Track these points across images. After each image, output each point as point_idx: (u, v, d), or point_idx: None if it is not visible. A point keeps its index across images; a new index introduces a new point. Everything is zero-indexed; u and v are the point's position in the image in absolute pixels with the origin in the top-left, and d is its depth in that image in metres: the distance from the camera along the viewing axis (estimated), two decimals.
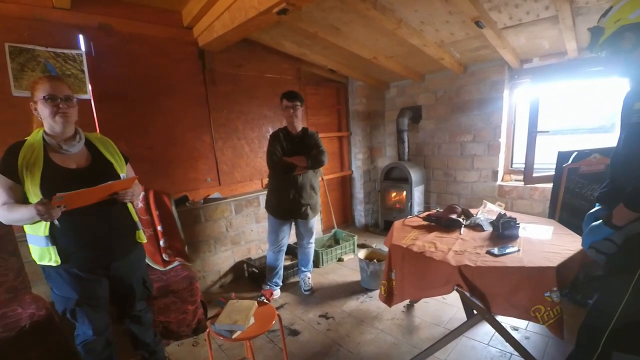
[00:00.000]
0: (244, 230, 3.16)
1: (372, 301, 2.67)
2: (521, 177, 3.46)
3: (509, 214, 2.06)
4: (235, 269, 3.12)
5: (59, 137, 1.39)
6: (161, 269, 2.39)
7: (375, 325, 2.36)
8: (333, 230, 3.84)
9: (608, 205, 1.33)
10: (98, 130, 2.39)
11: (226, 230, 3.03)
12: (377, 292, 2.74)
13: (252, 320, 1.60)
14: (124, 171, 1.59)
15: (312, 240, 2.84)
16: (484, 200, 2.71)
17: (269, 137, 2.62)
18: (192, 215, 2.79)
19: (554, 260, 1.53)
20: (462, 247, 1.77)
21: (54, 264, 1.36)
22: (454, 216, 2.17)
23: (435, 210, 2.37)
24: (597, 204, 1.44)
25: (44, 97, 1.32)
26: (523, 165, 3.36)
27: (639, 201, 1.20)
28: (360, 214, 4.55)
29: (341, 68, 3.63)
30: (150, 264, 2.37)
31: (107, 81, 2.43)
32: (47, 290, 1.47)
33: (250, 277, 3.11)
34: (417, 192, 3.97)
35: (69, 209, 1.26)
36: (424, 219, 2.27)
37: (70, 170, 1.39)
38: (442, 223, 2.14)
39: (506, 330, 1.78)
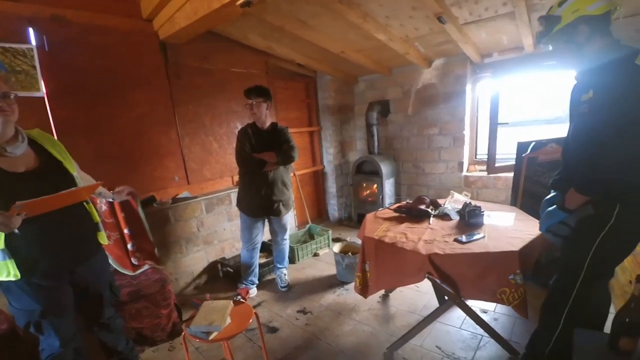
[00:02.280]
0: (217, 229, 3.09)
1: (349, 294, 2.72)
2: (485, 168, 3.63)
3: (474, 202, 2.16)
4: (209, 270, 3.05)
5: None
6: (131, 273, 2.29)
7: (352, 316, 2.41)
8: (307, 226, 3.85)
9: (561, 190, 1.43)
10: (54, 130, 2.23)
11: (198, 230, 2.94)
12: (353, 284, 2.80)
13: (228, 320, 1.58)
14: (75, 170, 1.47)
15: (287, 236, 2.83)
16: (451, 191, 2.83)
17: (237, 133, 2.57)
18: (161, 216, 2.69)
19: (517, 245, 1.63)
20: (432, 236, 1.84)
21: (13, 279, 1.25)
22: (423, 207, 2.25)
23: (405, 202, 2.44)
24: (552, 190, 1.55)
25: None
26: (486, 156, 3.53)
27: (587, 186, 1.30)
28: (333, 208, 4.59)
29: (310, 62, 3.62)
30: (119, 269, 2.26)
31: (64, 76, 2.27)
32: (6, 302, 1.35)
33: (225, 277, 3.06)
34: (388, 185, 4.06)
35: (30, 216, 1.16)
36: (395, 210, 2.33)
37: (20, 175, 1.28)
38: (412, 214, 2.20)
39: (476, 314, 1.88)
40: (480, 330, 2.02)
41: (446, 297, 2.02)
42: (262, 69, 3.51)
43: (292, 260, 3.28)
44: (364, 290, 1.98)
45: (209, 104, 3.08)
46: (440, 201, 2.42)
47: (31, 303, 1.31)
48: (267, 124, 2.55)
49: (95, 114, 2.42)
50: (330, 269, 3.14)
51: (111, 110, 2.49)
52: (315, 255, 3.50)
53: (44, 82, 2.20)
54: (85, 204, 1.49)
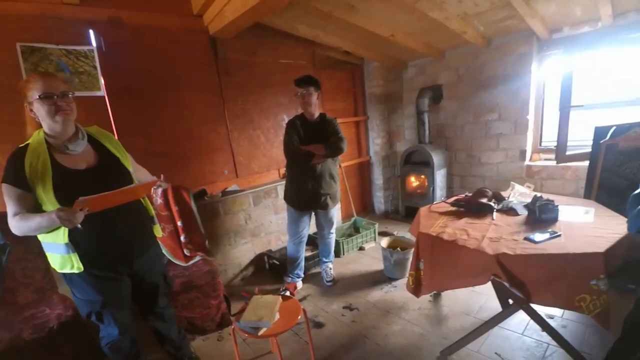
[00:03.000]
0: (263, 222, 3.12)
1: (397, 291, 2.60)
2: (551, 156, 3.25)
3: (544, 195, 1.91)
4: (256, 262, 3.10)
5: (61, 137, 1.30)
6: (183, 264, 2.38)
7: (401, 315, 2.29)
8: (352, 219, 3.76)
9: None
10: (114, 128, 2.37)
11: (245, 223, 3.00)
12: (402, 281, 2.67)
13: (277, 316, 1.56)
14: (130, 165, 1.52)
15: (333, 230, 2.77)
16: (512, 182, 2.56)
17: (285, 125, 2.53)
18: (211, 209, 2.77)
19: (601, 246, 1.40)
20: (497, 234, 1.65)
21: (76, 271, 1.31)
22: (484, 200, 2.04)
23: (464, 195, 2.24)
24: None
25: (39, 96, 1.22)
26: (553, 144, 3.15)
27: None
28: (379, 200, 4.44)
29: (357, 49, 3.48)
30: (172, 259, 2.36)
31: (120, 76, 2.38)
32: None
33: (271, 269, 3.09)
34: (440, 176, 3.82)
35: (91, 212, 1.20)
36: (452, 204, 2.15)
37: (82, 172, 1.33)
38: (472, 208, 2.01)
39: (545, 320, 1.68)
40: (546, 338, 1.82)
41: (511, 301, 1.82)
42: (308, 59, 3.45)
43: (337, 253, 3.22)
44: (417, 289, 1.85)
45: (257, 98, 3.09)
46: (503, 194, 2.19)
47: (93, 294, 1.38)
48: (316, 115, 2.48)
49: (149, 112, 2.52)
50: (377, 264, 3.03)
51: (163, 109, 2.58)
52: (361, 249, 3.41)
53: (103, 81, 2.34)
54: (141, 198, 1.54)
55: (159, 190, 2.31)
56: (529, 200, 1.91)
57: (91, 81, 2.31)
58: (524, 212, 1.88)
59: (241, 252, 2.99)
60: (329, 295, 2.64)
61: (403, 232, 3.68)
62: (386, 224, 4.09)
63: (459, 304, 2.33)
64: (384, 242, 2.89)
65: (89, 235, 1.31)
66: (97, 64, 2.29)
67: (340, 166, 3.77)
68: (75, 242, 1.29)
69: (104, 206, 1.27)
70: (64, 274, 1.36)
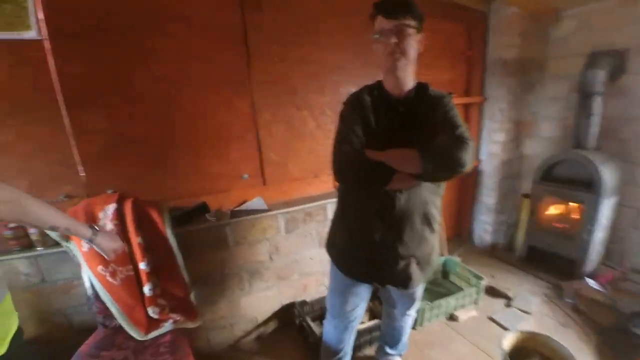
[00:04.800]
0: (299, 257, 2.00)
1: None
2: None
3: None
4: (281, 315, 2.03)
5: None
6: (140, 336, 1.40)
7: None
8: (442, 259, 2.41)
9: None
10: (62, 95, 1.41)
11: (270, 259, 1.90)
12: None
13: None
14: None
15: (413, 311, 1.52)
16: None
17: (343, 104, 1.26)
18: (213, 236, 1.72)
19: None
20: None
21: None
22: None
23: None
24: None
25: None
26: None
27: None
28: (483, 227, 2.95)
29: None
30: (125, 326, 1.39)
31: (69, 6, 1.37)
32: None
33: (302, 330, 1.99)
34: (607, 209, 2.22)
35: None
36: None
37: None
38: None
39: None
40: None
41: None
42: None
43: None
44: None
45: (304, 54, 1.87)
46: None
47: None
48: (409, 84, 1.15)
49: (117, 69, 1.49)
50: (480, 357, 1.73)
51: (142, 64, 1.52)
52: (452, 318, 2.09)
53: (43, 15, 1.35)
54: None
55: (109, 210, 1.35)
56: None
57: (18, 14, 1.33)
58: None
59: (259, 301, 1.93)
60: None
61: (524, 290, 2.25)
62: (492, 268, 2.63)
63: None
64: (507, 341, 1.54)
65: None
66: None
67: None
68: None
69: None
70: None
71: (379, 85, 1.18)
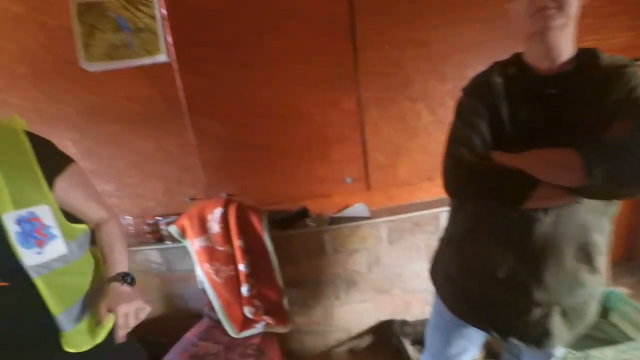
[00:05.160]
0: (402, 271, 1.77)
1: None
2: None
3: None
4: (377, 332, 1.86)
5: None
6: (234, 333, 1.45)
7: None
8: (604, 291, 1.81)
9: None
10: (188, 111, 1.56)
11: (368, 270, 1.74)
12: None
13: None
14: (39, 201, 0.70)
15: None
16: None
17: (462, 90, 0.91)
18: (312, 241, 1.65)
19: None
20: None
21: None
22: None
23: None
24: None
25: None
26: None
27: None
28: None
29: None
30: (223, 321, 1.47)
31: (191, 28, 1.47)
32: None
33: (397, 352, 1.78)
34: None
35: None
36: None
37: None
38: None
39: None
40: None
41: None
42: None
43: None
44: None
45: (421, 35, 1.53)
46: None
47: None
48: (566, 54, 0.75)
49: (226, 79, 1.52)
50: None
51: (247, 70, 1.52)
52: None
53: (171, 38, 1.47)
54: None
55: (216, 213, 1.39)
56: None
57: (152, 40, 1.48)
58: None
59: (354, 313, 1.81)
60: None
61: None
62: None
63: None
64: None
65: None
66: (157, 12, 1.44)
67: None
68: None
69: None
70: None
71: (516, 59, 0.83)
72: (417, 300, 1.83)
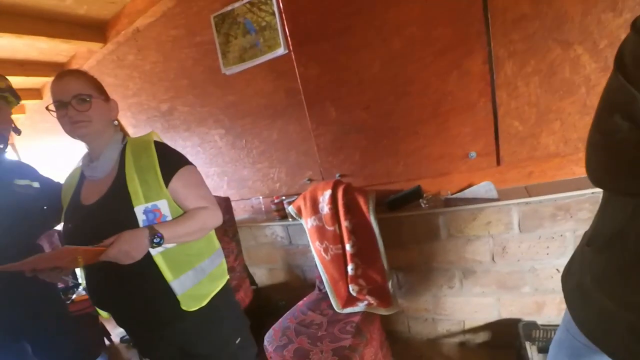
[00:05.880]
0: (536, 266, 1.44)
1: None
2: None
3: None
4: (496, 329, 1.59)
5: (91, 156, 0.95)
6: (338, 308, 1.43)
7: None
8: None
9: None
10: (304, 99, 1.61)
11: (491, 260, 1.47)
12: None
13: None
14: (161, 196, 0.87)
15: None
16: None
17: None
18: (424, 224, 1.47)
19: None
20: None
21: None
22: None
23: None
24: None
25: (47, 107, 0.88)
26: None
27: None
28: None
29: None
30: (330, 294, 1.48)
31: (309, 15, 1.47)
32: None
33: (519, 357, 1.50)
34: None
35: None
36: None
37: (83, 208, 0.92)
38: None
39: None
40: None
41: None
42: None
43: None
44: None
45: None
46: None
47: None
48: None
49: (339, 62, 1.49)
50: None
51: (359, 51, 1.44)
52: None
53: (287, 30, 1.53)
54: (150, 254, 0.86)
55: (326, 195, 1.35)
56: None
57: (273, 36, 1.56)
58: None
59: (470, 305, 1.59)
60: None
61: None
62: None
63: None
64: None
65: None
66: (275, 8, 1.50)
67: None
68: None
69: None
70: None
71: None
72: (554, 302, 1.49)
